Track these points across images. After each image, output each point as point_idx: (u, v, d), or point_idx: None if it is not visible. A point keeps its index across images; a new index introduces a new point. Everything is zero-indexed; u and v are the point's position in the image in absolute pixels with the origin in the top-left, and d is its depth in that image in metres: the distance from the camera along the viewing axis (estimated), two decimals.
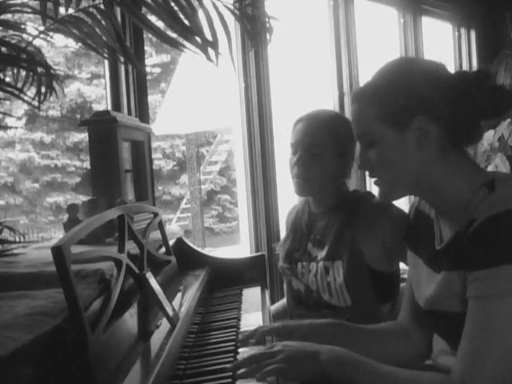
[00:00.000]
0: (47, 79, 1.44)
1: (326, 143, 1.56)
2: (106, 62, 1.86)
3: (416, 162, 1.06)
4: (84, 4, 1.43)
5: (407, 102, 1.05)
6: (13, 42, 1.43)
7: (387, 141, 1.07)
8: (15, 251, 1.31)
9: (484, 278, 0.96)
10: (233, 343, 1.18)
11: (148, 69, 13.19)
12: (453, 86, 1.06)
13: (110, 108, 1.89)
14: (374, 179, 1.14)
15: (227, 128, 10.36)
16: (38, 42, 1.47)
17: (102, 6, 1.41)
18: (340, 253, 1.55)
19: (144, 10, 1.44)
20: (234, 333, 1.25)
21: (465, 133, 1.08)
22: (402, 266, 1.55)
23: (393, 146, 1.07)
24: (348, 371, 1.02)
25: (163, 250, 1.49)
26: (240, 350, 1.14)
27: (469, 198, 1.03)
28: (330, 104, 2.91)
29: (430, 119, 1.04)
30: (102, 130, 1.58)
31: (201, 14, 1.43)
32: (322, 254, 1.60)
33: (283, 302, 1.84)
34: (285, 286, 1.79)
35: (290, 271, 1.68)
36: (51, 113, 12.91)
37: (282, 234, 2.36)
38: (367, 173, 1.15)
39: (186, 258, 1.68)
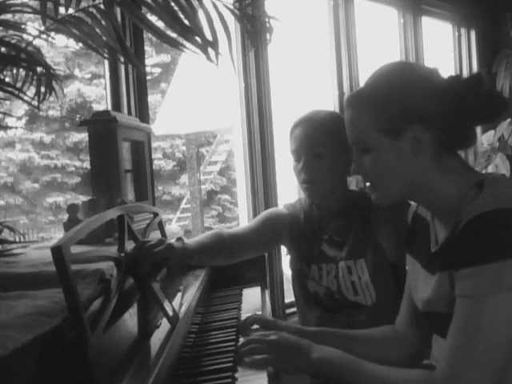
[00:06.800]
0: (47, 79, 1.44)
1: (327, 142, 1.56)
2: (106, 61, 1.86)
3: (410, 169, 1.08)
4: (84, 4, 1.43)
5: (402, 111, 1.06)
6: (13, 41, 1.43)
7: (382, 148, 1.08)
8: (15, 251, 1.31)
9: (469, 276, 0.96)
10: (233, 343, 1.18)
11: (148, 69, 13.19)
12: (446, 92, 1.06)
13: (110, 108, 1.88)
14: (368, 184, 1.15)
15: (227, 128, 10.35)
16: (38, 42, 1.47)
17: (101, 6, 1.41)
18: (362, 251, 1.56)
19: (144, 9, 1.44)
20: (234, 333, 1.25)
21: (459, 137, 1.10)
22: None
23: (387, 154, 1.08)
24: (340, 372, 1.07)
25: None
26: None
27: (460, 199, 1.04)
28: (329, 104, 2.91)
29: (424, 128, 1.05)
30: (101, 130, 1.58)
31: (201, 14, 1.43)
32: (341, 254, 1.59)
33: None
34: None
35: (303, 275, 1.65)
36: (51, 113, 12.90)
37: None
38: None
39: None
